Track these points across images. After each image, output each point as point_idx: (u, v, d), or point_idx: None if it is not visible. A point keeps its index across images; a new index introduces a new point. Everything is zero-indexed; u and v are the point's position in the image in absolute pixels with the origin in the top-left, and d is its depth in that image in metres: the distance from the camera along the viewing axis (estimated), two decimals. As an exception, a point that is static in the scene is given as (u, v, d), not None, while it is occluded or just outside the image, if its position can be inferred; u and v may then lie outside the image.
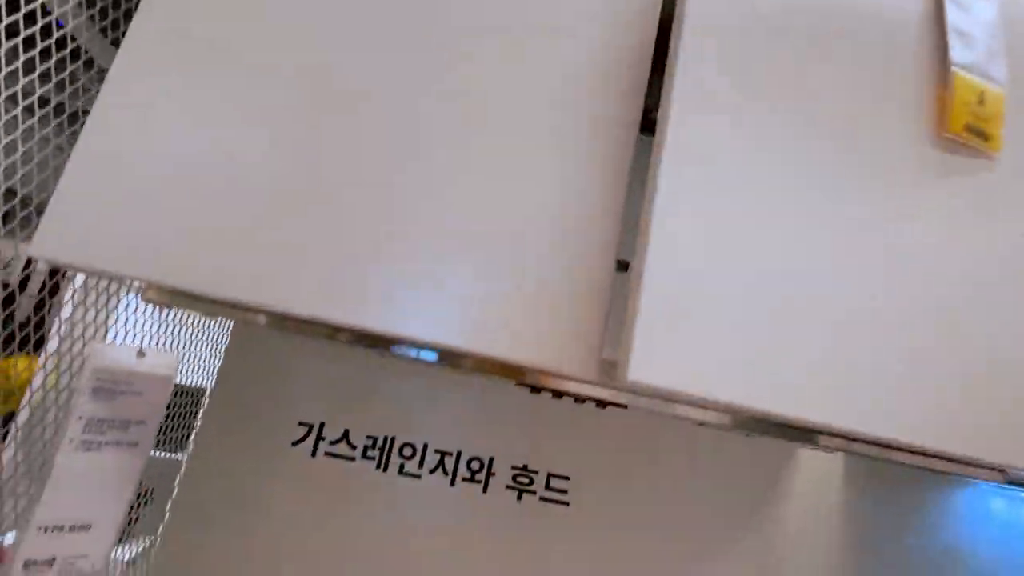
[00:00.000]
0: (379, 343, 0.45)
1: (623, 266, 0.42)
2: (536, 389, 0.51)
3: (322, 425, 0.66)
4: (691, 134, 0.37)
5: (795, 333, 0.35)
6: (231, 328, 0.68)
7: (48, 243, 0.39)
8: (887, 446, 0.43)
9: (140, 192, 0.40)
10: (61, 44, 0.64)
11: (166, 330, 0.83)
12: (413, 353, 0.46)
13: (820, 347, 0.35)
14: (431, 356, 0.45)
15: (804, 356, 0.35)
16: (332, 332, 0.45)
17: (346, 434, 0.66)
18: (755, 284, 0.36)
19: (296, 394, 0.67)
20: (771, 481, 0.66)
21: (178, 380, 0.49)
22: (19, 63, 0.55)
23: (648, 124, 0.45)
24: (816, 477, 0.66)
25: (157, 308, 0.82)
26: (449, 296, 0.38)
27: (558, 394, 0.54)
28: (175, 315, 0.85)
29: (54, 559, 0.38)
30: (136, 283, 0.46)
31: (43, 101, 0.63)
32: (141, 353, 0.40)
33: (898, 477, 0.66)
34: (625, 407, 0.45)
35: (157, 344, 0.68)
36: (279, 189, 0.40)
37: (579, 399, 0.53)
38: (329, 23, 0.43)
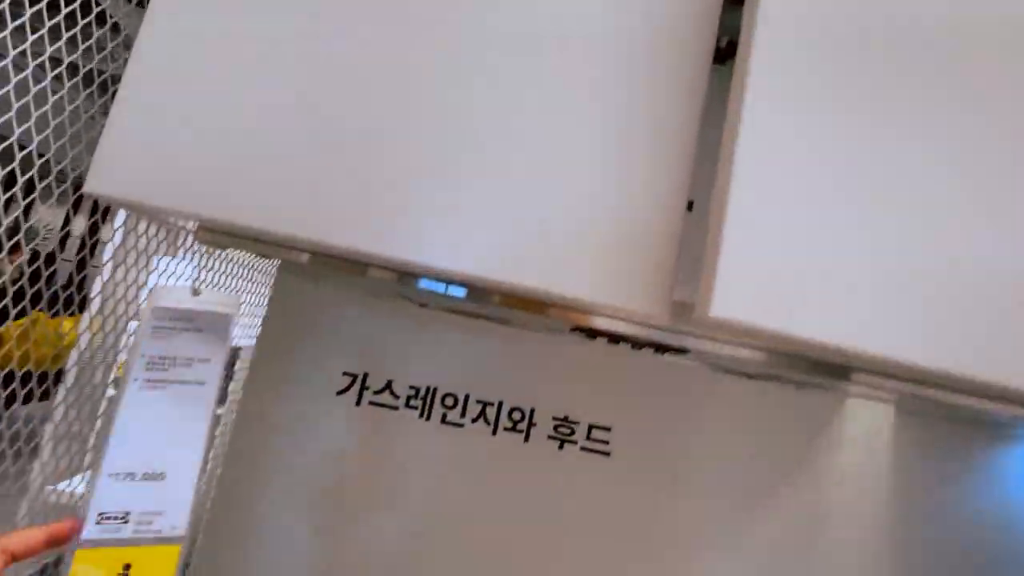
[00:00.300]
0: (405, 276, 0.44)
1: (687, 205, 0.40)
2: (593, 335, 0.49)
3: (366, 375, 0.67)
4: (778, 62, 0.34)
5: (881, 272, 0.34)
6: (273, 280, 0.68)
7: (102, 180, 0.38)
8: (952, 388, 0.42)
9: (188, 128, 0.39)
10: (86, 9, 0.62)
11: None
12: (441, 288, 0.45)
13: (905, 287, 0.34)
14: (460, 291, 0.44)
15: (890, 295, 0.33)
16: (364, 268, 0.44)
17: (389, 384, 0.67)
18: (838, 219, 0.34)
19: (339, 345, 0.67)
20: (818, 435, 0.65)
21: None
22: (42, 27, 0.53)
23: (719, 54, 0.43)
24: (865, 432, 0.65)
25: (193, 262, 0.82)
26: (518, 234, 0.37)
27: (615, 339, 0.53)
28: (209, 267, 0.85)
29: (128, 514, 0.36)
30: (190, 223, 0.45)
31: (67, 65, 0.61)
32: (196, 291, 0.40)
33: (951, 433, 0.65)
34: (687, 352, 0.43)
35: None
36: (323, 119, 0.39)
37: (637, 344, 0.52)
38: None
